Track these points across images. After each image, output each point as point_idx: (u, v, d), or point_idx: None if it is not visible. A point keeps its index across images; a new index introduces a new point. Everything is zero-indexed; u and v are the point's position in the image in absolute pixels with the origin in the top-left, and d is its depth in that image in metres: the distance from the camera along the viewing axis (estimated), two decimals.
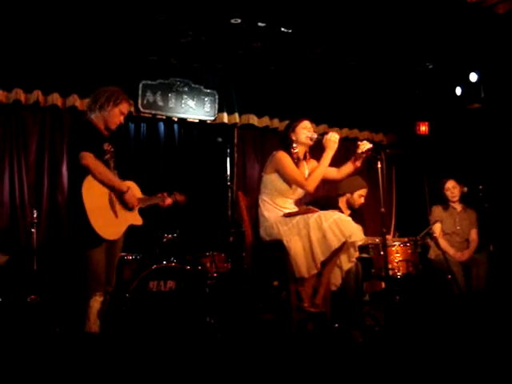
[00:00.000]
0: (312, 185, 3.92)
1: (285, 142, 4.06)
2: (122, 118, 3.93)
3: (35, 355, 3.53)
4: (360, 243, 3.88)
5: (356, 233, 3.71)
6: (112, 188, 3.75)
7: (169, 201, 4.32)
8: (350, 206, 5.10)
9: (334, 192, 5.26)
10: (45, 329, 4.25)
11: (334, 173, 4.14)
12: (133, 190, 3.91)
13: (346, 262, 3.93)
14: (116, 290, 4.23)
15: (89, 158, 3.60)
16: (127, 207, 3.87)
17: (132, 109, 5.83)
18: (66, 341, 3.86)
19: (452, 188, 5.56)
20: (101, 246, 3.70)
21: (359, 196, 5.07)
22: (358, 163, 4.09)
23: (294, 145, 4.03)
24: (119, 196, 3.80)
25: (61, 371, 3.17)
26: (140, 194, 4.06)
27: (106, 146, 3.83)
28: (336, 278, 3.99)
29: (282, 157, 3.95)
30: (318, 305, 3.83)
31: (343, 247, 3.78)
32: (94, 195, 3.64)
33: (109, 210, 3.75)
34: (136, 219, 3.97)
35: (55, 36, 5.31)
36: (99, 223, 3.61)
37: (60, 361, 3.37)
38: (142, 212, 4.09)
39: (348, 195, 5.07)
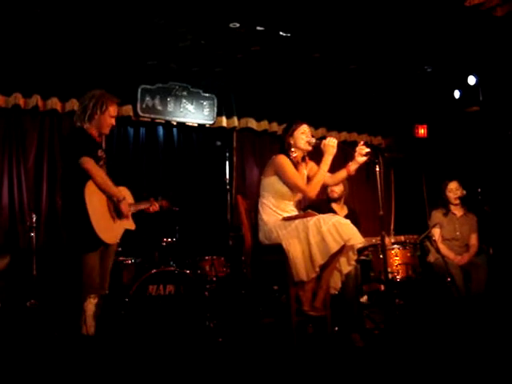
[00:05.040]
0: (313, 191, 3.89)
1: (283, 146, 4.05)
2: (113, 121, 3.98)
3: (34, 361, 3.52)
4: (359, 246, 3.87)
5: (355, 236, 3.69)
6: (109, 195, 3.83)
7: (156, 206, 4.34)
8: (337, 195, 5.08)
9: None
10: (44, 333, 4.24)
11: (327, 178, 4.06)
12: (126, 197, 3.98)
13: (346, 266, 3.92)
14: (115, 294, 4.25)
15: (90, 163, 3.70)
16: (121, 215, 3.93)
17: (131, 113, 5.85)
18: (64, 344, 3.85)
19: (455, 189, 5.50)
20: (97, 250, 3.78)
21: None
22: (353, 170, 4.04)
23: (293, 149, 4.01)
24: (114, 204, 3.88)
25: (60, 375, 3.16)
26: (131, 200, 4.12)
27: (100, 153, 3.91)
28: (336, 282, 3.97)
29: (283, 160, 3.92)
30: (318, 308, 3.82)
31: (342, 251, 3.76)
32: (95, 199, 3.74)
33: (108, 214, 3.86)
34: (130, 224, 4.07)
35: (54, 40, 5.32)
36: (100, 226, 3.71)
37: (59, 364, 3.37)
38: (140, 216, 4.11)
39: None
